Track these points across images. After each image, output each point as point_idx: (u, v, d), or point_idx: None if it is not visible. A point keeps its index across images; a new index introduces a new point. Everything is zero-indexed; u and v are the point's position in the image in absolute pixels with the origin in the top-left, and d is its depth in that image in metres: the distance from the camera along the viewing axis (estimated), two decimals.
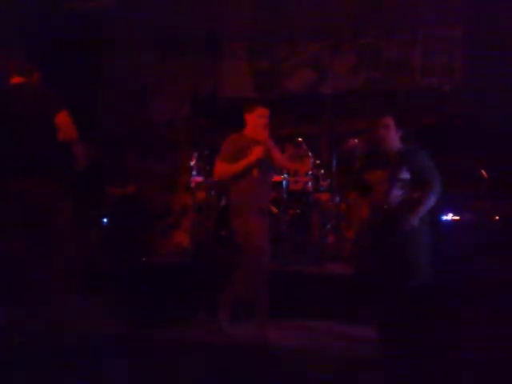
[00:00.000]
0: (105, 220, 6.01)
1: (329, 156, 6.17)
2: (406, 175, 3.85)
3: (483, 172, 5.47)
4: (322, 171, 6.04)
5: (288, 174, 5.88)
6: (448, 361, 3.45)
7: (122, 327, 4.10)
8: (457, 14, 6.37)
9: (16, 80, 3.78)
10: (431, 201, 3.82)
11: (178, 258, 5.81)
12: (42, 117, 3.60)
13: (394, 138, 3.94)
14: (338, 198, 5.74)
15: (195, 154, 6.12)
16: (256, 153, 4.14)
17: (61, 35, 6.11)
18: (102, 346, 3.57)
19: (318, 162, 6.06)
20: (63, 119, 3.61)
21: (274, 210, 5.76)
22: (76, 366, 3.30)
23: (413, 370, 3.37)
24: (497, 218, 5.35)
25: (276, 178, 5.78)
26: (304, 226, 5.72)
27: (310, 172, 5.90)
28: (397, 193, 3.85)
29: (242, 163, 4.14)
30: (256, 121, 4.23)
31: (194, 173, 6.10)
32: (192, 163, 6.10)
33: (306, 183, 5.88)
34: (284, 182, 5.78)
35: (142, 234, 5.93)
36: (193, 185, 6.14)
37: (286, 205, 5.75)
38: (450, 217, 5.32)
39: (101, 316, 4.03)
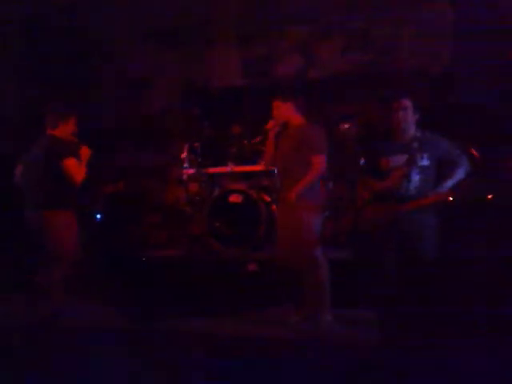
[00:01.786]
0: (98, 217, 5.98)
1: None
2: (425, 161, 3.83)
3: (474, 151, 5.45)
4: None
5: None
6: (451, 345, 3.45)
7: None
8: None
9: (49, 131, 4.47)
10: (460, 176, 3.89)
11: (173, 252, 5.79)
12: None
13: (411, 121, 3.92)
14: (331, 184, 5.70)
15: (186, 146, 6.08)
16: None
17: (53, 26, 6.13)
18: None
19: None
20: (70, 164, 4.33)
21: (267, 198, 5.75)
22: None
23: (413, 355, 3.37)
24: (490, 196, 5.35)
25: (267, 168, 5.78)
26: None
27: None
28: (415, 178, 3.82)
29: None
30: None
31: (186, 165, 6.06)
32: (183, 155, 6.06)
33: None
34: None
35: (135, 228, 5.90)
36: (185, 177, 6.11)
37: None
38: None
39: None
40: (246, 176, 5.97)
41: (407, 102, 3.91)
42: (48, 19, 6.30)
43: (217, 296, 4.76)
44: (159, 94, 7.09)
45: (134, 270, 5.25)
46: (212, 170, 6.09)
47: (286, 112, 4.33)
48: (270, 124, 4.41)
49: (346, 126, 5.85)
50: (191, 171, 6.05)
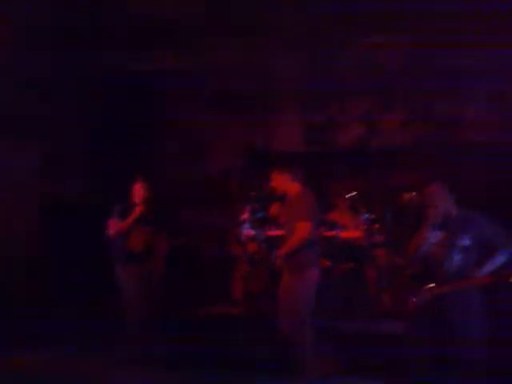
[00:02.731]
0: None
1: (382, 210, 6.13)
2: (465, 241, 3.75)
3: None
4: (377, 225, 5.99)
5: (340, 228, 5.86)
6: None
7: None
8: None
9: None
10: (500, 261, 3.75)
11: (230, 310, 5.75)
12: None
13: (443, 204, 3.83)
14: (393, 254, 5.66)
15: (248, 207, 6.17)
16: None
17: (122, 93, 6.46)
18: None
19: (372, 216, 6.02)
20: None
21: (326, 263, 5.72)
22: None
23: None
24: None
25: (330, 233, 5.81)
26: (358, 281, 5.64)
27: (364, 227, 5.87)
28: (456, 257, 3.76)
29: None
30: None
31: (247, 226, 6.13)
32: (244, 216, 6.14)
33: (360, 238, 5.84)
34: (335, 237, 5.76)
35: (193, 285, 5.93)
36: (244, 238, 6.17)
37: (339, 259, 5.70)
38: None
39: None
40: None
41: (434, 188, 3.86)
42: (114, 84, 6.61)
43: (271, 356, 4.68)
44: (225, 157, 7.28)
45: (191, 326, 5.24)
46: (272, 232, 6.12)
47: (283, 182, 4.52)
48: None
49: (409, 195, 5.85)
50: (251, 232, 6.10)
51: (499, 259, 3.75)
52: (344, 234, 5.92)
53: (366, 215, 5.95)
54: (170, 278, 5.91)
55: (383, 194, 6.52)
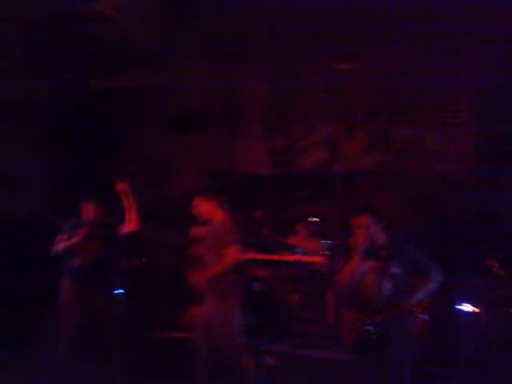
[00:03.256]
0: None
1: (343, 235, 6.18)
2: (396, 269, 3.71)
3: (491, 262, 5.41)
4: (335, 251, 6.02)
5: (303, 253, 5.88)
6: None
7: None
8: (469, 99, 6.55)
9: None
10: (430, 289, 3.74)
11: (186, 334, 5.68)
12: None
13: (374, 233, 3.79)
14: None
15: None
16: None
17: (78, 112, 6.39)
18: None
19: (332, 241, 6.05)
20: None
21: (288, 287, 5.73)
22: None
23: None
24: None
25: (290, 258, 5.82)
26: (319, 306, 5.66)
27: (323, 252, 5.89)
28: (386, 285, 3.71)
29: None
30: None
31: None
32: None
33: (321, 263, 5.87)
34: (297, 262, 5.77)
35: (155, 306, 5.85)
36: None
37: (301, 284, 5.72)
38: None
39: None
40: (268, 264, 5.97)
41: (363, 220, 3.81)
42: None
43: None
44: (187, 178, 7.24)
45: (146, 349, 5.16)
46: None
47: (207, 209, 4.67)
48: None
49: None
50: None
51: (428, 288, 3.72)
52: (306, 259, 5.93)
53: (326, 240, 5.98)
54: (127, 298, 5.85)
55: (343, 218, 6.59)
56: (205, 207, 4.66)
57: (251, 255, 5.95)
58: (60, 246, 4.79)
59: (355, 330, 3.81)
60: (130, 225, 4.82)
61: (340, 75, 6.72)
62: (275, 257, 5.90)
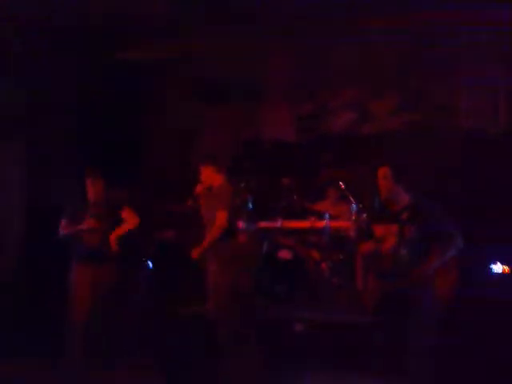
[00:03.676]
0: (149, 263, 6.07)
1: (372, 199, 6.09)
2: (414, 234, 3.59)
3: None
4: (365, 215, 5.95)
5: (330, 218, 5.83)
6: None
7: None
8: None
9: None
10: (451, 253, 3.63)
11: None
12: None
13: (394, 190, 3.73)
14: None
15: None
16: None
17: (112, 85, 6.40)
18: None
19: (360, 206, 5.97)
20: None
21: (316, 255, 5.72)
22: None
23: None
24: None
25: (319, 224, 5.78)
26: (348, 272, 5.64)
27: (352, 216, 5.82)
28: (404, 250, 3.61)
29: None
30: None
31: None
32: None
33: (350, 228, 5.81)
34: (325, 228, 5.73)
35: (182, 280, 5.92)
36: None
37: (330, 250, 5.69)
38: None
39: None
40: (296, 232, 5.96)
41: (386, 171, 3.74)
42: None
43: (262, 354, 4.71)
44: (216, 149, 7.23)
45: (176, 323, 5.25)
46: (262, 224, 6.10)
47: (208, 175, 4.94)
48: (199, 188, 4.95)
49: None
50: (241, 224, 6.07)
51: (447, 254, 3.61)
52: (334, 224, 5.88)
53: (356, 205, 5.90)
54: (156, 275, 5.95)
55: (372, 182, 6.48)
56: (205, 173, 4.90)
57: (279, 223, 5.96)
58: (63, 230, 4.71)
59: (374, 296, 3.79)
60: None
61: (368, 35, 6.52)
62: (303, 224, 5.88)
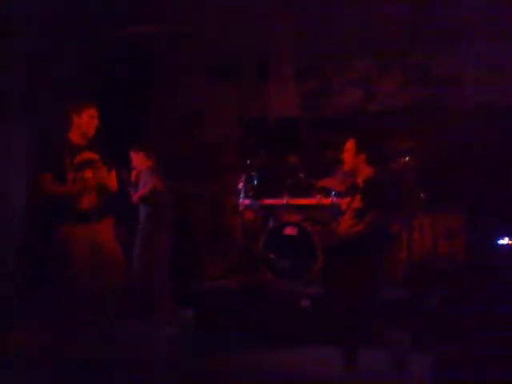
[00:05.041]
0: None
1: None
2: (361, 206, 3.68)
3: None
4: None
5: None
6: None
7: None
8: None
9: None
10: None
11: (227, 282, 5.77)
12: None
13: (355, 163, 3.81)
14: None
15: (243, 177, 6.12)
16: None
17: (112, 60, 6.34)
18: None
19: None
20: None
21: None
22: None
23: None
24: None
25: (325, 201, 5.76)
26: None
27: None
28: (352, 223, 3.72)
29: None
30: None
31: (242, 195, 6.09)
32: (239, 185, 6.10)
33: None
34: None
35: (189, 256, 5.94)
36: (241, 208, 6.14)
37: None
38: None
39: None
40: (301, 208, 5.94)
41: (350, 144, 3.86)
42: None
43: (267, 329, 4.75)
44: (221, 126, 7.19)
45: (187, 299, 5.28)
46: (267, 201, 6.09)
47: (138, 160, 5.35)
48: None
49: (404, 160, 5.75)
50: (247, 201, 6.07)
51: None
52: (339, 201, 5.85)
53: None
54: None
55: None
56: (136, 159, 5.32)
57: (285, 200, 5.95)
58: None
59: None
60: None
61: (373, 7, 6.41)
62: (309, 200, 5.86)
